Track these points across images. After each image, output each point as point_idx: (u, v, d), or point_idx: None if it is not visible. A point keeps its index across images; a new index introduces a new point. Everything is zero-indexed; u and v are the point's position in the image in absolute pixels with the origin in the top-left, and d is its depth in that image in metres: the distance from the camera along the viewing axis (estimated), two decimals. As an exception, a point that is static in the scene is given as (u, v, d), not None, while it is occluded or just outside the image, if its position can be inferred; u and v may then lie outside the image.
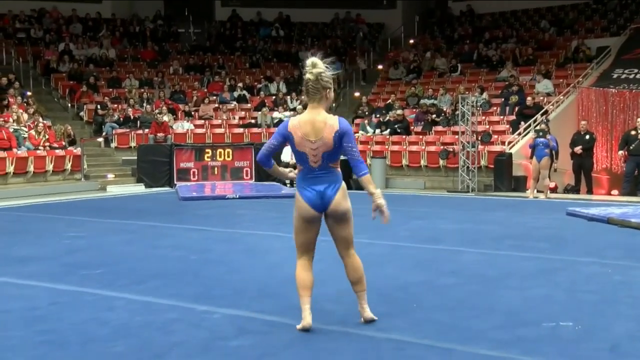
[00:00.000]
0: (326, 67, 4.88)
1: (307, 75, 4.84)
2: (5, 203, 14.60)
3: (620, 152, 16.25)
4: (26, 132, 18.77)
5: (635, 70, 19.11)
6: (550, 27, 25.17)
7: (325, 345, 4.80)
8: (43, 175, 18.08)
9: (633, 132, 15.95)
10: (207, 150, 19.12)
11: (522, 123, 18.46)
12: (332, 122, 4.85)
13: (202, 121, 22.22)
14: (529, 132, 17.89)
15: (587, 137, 16.57)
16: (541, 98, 19.70)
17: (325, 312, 5.51)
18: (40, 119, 19.59)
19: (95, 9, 28.21)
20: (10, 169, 17.27)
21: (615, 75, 19.24)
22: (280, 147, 5.10)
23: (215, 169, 18.90)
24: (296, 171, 5.12)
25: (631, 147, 15.80)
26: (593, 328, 5.23)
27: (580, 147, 16.40)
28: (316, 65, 4.84)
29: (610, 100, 18.23)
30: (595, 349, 4.74)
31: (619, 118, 17.93)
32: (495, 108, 20.66)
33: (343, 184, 5.03)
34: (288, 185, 16.55)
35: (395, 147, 19.70)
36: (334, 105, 24.82)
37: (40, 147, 18.25)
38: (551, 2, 26.16)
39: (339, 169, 5.03)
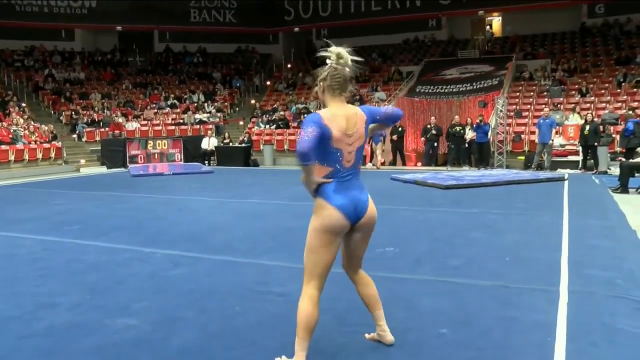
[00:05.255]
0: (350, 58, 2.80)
1: (336, 66, 2.75)
2: (8, 182, 13.71)
3: (422, 138, 16.89)
4: (22, 131, 17.78)
5: (429, 87, 19.93)
6: (378, 57, 25.77)
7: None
8: (35, 162, 17.04)
9: (428, 126, 16.62)
10: (149, 142, 18.44)
11: (362, 120, 18.90)
12: (359, 112, 2.83)
13: (146, 122, 21.40)
14: (366, 126, 18.27)
15: (400, 129, 17.09)
16: (375, 103, 20.14)
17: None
18: (32, 122, 18.59)
19: (70, 45, 26.62)
20: (12, 157, 16.45)
21: (417, 90, 19.94)
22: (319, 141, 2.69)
23: (156, 154, 18.23)
24: (320, 178, 2.76)
25: (427, 136, 16.48)
26: (406, 250, 5.49)
27: (395, 135, 16.94)
28: (342, 56, 2.76)
29: (415, 105, 18.86)
30: (406, 262, 5.02)
31: (421, 117, 18.56)
32: (344, 111, 20.98)
33: None
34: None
35: (279, 137, 19.69)
36: (237, 109, 24.51)
37: (32, 142, 17.22)
38: (378, 42, 26.74)
39: None
